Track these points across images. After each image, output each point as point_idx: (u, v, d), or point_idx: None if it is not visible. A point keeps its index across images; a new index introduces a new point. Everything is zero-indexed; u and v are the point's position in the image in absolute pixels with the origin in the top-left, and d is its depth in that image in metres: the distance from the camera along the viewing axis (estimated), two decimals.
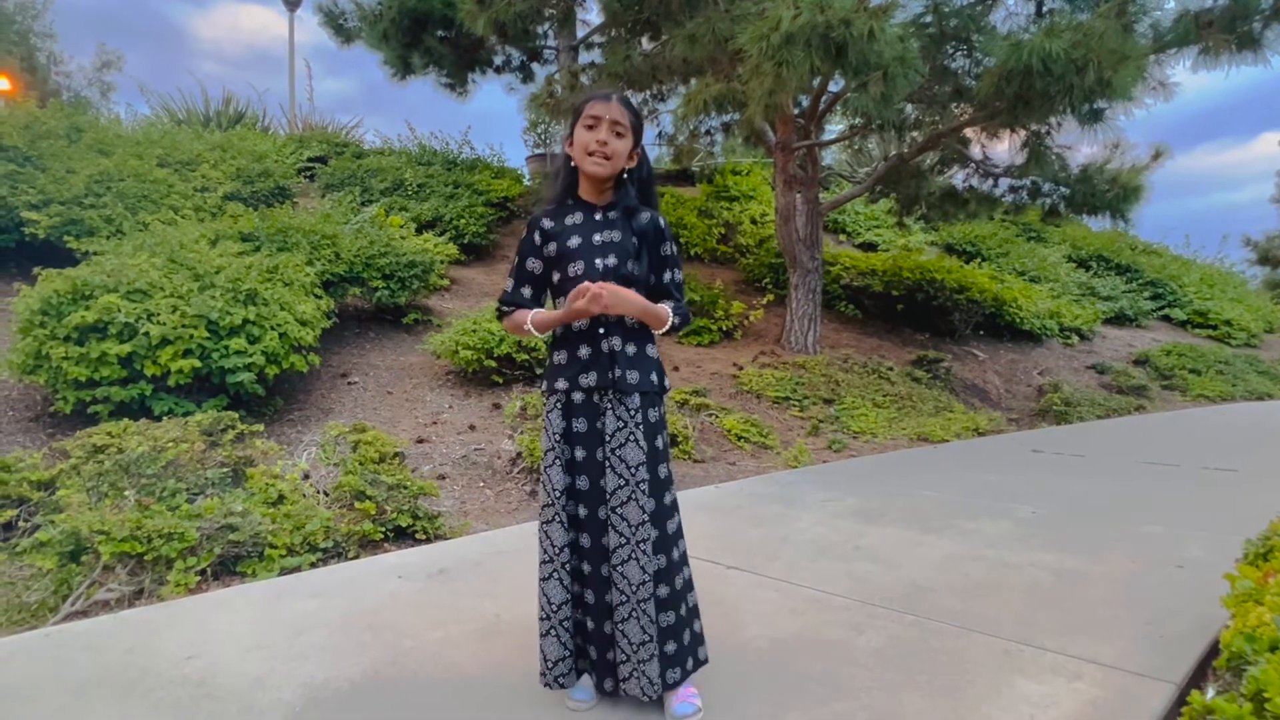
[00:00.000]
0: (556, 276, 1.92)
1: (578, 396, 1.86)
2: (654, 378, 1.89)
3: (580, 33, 10.48)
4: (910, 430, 6.50)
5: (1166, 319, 13.63)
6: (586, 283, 1.76)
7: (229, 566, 3.11)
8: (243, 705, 1.92)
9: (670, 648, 1.82)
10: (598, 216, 1.91)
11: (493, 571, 2.93)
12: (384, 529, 3.51)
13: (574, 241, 1.88)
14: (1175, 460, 5.30)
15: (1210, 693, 1.73)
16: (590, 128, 1.85)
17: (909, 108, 7.82)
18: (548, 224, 1.92)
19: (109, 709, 1.91)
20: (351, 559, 3.26)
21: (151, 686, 2.02)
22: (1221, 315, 13.46)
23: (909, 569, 2.93)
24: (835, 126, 10.01)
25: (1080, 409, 8.20)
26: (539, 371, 5.75)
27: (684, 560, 1.90)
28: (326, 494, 3.79)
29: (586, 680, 1.92)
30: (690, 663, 1.87)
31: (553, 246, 1.91)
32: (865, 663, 2.12)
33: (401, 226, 7.51)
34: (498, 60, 11.18)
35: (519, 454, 4.60)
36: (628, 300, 1.81)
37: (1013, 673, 2.04)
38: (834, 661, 2.13)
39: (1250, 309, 14.49)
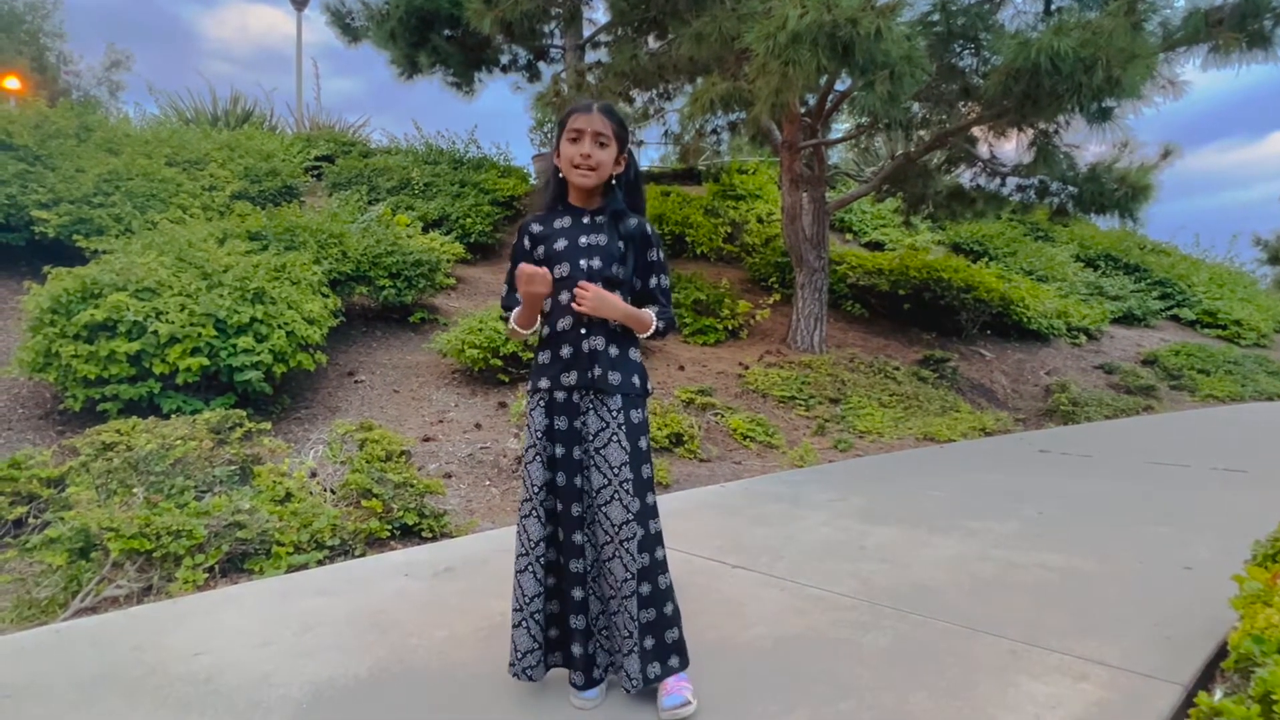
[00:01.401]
0: None
1: (560, 395, 1.89)
2: (636, 380, 1.92)
3: (586, 31, 10.49)
4: (916, 430, 6.48)
5: (1175, 319, 13.55)
6: (525, 264, 1.79)
7: (237, 564, 3.13)
8: (250, 701, 1.93)
9: (649, 643, 1.84)
10: (585, 220, 1.94)
11: (498, 570, 2.93)
12: (390, 527, 3.52)
13: (560, 244, 1.91)
14: (1183, 461, 5.27)
15: (1218, 694, 1.72)
16: (574, 140, 1.88)
17: (916, 106, 7.79)
18: (536, 228, 1.96)
19: (117, 705, 1.92)
20: (358, 557, 3.28)
21: (159, 683, 2.03)
22: (1231, 315, 13.37)
23: (915, 569, 2.93)
24: (842, 125, 9.99)
25: (1088, 409, 8.16)
26: None
27: (665, 564, 1.91)
28: (333, 492, 3.81)
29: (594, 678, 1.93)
30: (674, 660, 1.87)
31: (541, 249, 1.94)
32: (870, 662, 2.12)
33: (408, 225, 7.54)
34: (504, 59, 11.20)
35: None
36: (612, 305, 1.85)
37: (1019, 673, 2.04)
38: (839, 661, 2.13)
39: (1260, 309, 14.40)
